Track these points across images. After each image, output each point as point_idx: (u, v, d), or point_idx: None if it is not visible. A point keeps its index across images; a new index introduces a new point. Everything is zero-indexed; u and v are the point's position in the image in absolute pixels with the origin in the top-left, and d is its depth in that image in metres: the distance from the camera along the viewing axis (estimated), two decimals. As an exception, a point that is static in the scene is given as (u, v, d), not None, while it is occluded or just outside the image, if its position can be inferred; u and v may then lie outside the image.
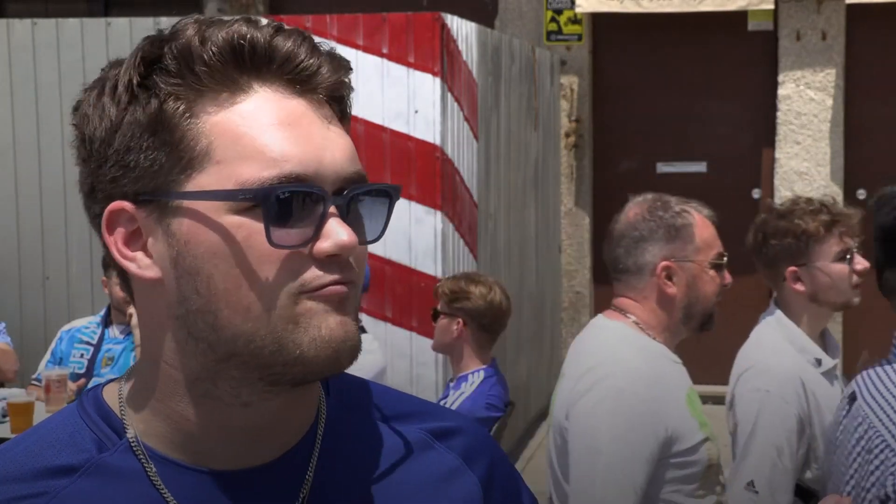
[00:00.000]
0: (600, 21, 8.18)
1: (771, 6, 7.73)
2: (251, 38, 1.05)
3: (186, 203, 1.04)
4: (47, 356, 5.24)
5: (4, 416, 4.60)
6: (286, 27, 1.08)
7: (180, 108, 1.04)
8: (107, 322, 5.22)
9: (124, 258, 1.07)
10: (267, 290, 1.03)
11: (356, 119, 5.60)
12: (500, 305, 4.16)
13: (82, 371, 5.11)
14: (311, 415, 1.14)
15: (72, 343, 5.19)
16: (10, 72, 6.10)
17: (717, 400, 8.15)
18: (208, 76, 1.04)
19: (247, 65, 1.05)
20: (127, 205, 1.06)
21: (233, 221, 1.02)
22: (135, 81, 1.05)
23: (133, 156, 1.05)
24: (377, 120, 5.60)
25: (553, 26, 8.17)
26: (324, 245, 1.03)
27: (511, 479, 1.25)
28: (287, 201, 1.02)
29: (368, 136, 5.59)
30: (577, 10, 7.92)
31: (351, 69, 1.11)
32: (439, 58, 5.55)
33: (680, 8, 7.77)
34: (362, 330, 4.39)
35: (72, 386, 4.78)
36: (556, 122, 8.00)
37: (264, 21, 1.09)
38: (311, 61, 1.07)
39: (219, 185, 1.03)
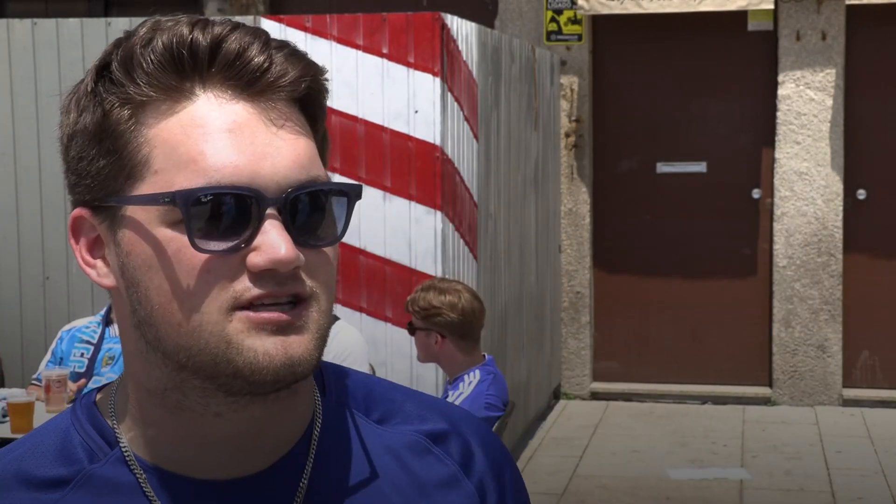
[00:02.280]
0: (600, 21, 8.18)
1: (771, 6, 7.72)
2: (191, 42, 1.00)
3: (128, 213, 1.02)
4: (47, 356, 5.24)
5: (4, 416, 4.59)
6: (243, 26, 1.03)
7: (124, 116, 1.02)
8: (107, 321, 5.22)
9: (87, 265, 1.07)
10: (197, 305, 0.99)
11: (356, 119, 5.60)
12: (472, 310, 4.15)
13: (83, 370, 5.11)
14: (305, 419, 1.11)
15: (72, 343, 5.18)
16: (10, 72, 6.10)
17: (717, 400, 8.17)
18: (148, 84, 1.01)
19: (186, 70, 1.01)
20: (86, 212, 1.06)
21: (165, 234, 1.00)
22: (89, 87, 1.04)
23: (84, 163, 1.04)
24: (377, 120, 5.60)
25: (553, 26, 8.17)
26: (256, 259, 0.99)
27: (501, 486, 1.19)
28: (215, 208, 0.98)
29: (368, 136, 5.60)
30: (578, 11, 7.92)
31: (316, 67, 1.05)
32: (439, 58, 5.55)
33: (680, 8, 7.77)
34: (335, 318, 4.39)
35: (72, 386, 4.78)
36: (556, 122, 8.00)
37: (222, 19, 1.04)
38: (258, 60, 1.01)
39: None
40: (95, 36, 6.03)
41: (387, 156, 5.60)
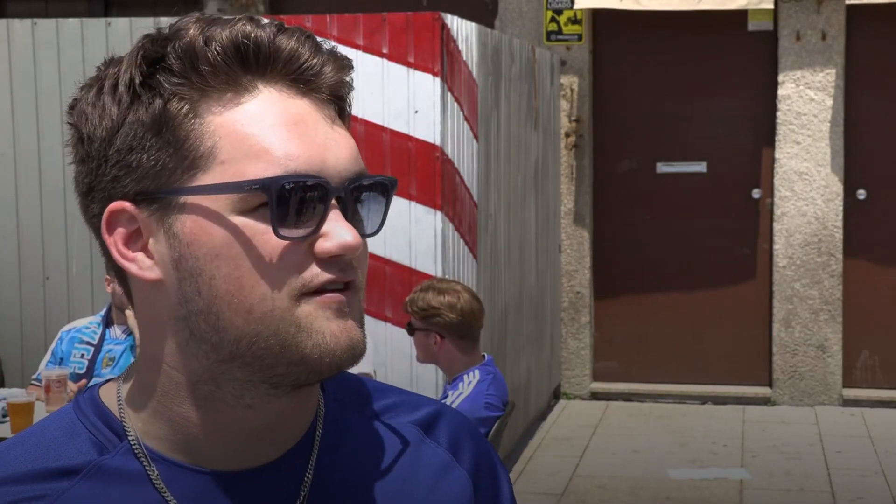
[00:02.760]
0: (600, 21, 8.18)
1: (771, 6, 7.72)
2: (255, 38, 1.04)
3: (190, 203, 1.03)
4: (47, 356, 5.24)
5: (4, 416, 4.60)
6: (288, 26, 1.08)
7: (184, 108, 1.03)
8: (108, 322, 5.22)
9: (125, 259, 1.06)
10: (269, 291, 1.02)
11: (356, 119, 5.60)
12: (471, 310, 4.15)
13: (83, 371, 5.11)
14: (312, 414, 1.14)
15: (72, 343, 5.19)
16: (10, 72, 6.10)
17: (717, 400, 8.17)
18: (213, 76, 1.03)
19: (251, 65, 1.04)
20: (128, 205, 1.05)
21: (237, 221, 1.02)
22: (137, 80, 1.04)
23: (135, 155, 1.04)
24: (377, 120, 5.60)
25: (553, 26, 8.17)
26: (326, 245, 1.03)
27: (492, 468, 1.25)
28: (291, 195, 1.02)
29: (368, 136, 5.60)
30: (576, 6, 7.91)
31: (352, 68, 1.10)
32: (439, 58, 5.55)
33: (679, 6, 7.76)
34: None
35: (72, 386, 4.78)
36: (556, 122, 8.00)
37: (266, 20, 1.08)
38: (315, 61, 1.06)
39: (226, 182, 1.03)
40: (95, 36, 6.03)
41: (387, 156, 5.61)
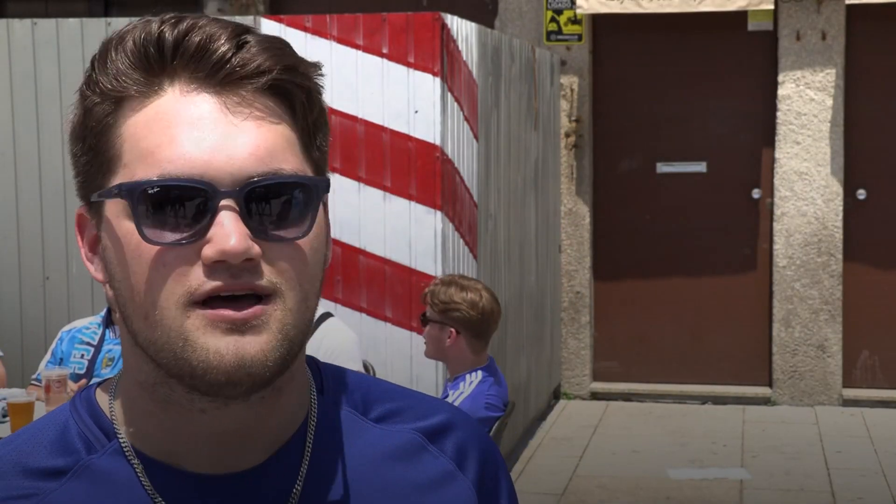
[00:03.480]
0: (600, 21, 8.18)
1: (771, 6, 7.72)
2: (158, 37, 1.02)
3: (104, 208, 1.04)
4: (47, 356, 5.24)
5: (4, 416, 4.59)
6: (219, 20, 1.04)
7: (102, 113, 1.04)
8: (108, 322, 5.21)
9: (88, 261, 1.09)
10: (156, 299, 1.00)
11: (356, 119, 5.60)
12: (491, 311, 4.15)
13: (83, 372, 5.10)
14: (297, 418, 1.12)
15: (72, 343, 5.18)
16: (10, 72, 6.10)
17: (717, 400, 8.16)
18: (121, 79, 1.03)
19: (153, 66, 1.03)
20: (84, 209, 1.08)
21: (126, 227, 1.02)
22: (82, 86, 1.06)
23: (74, 160, 1.07)
24: (377, 120, 5.60)
25: (553, 26, 8.17)
26: (206, 251, 0.99)
27: (495, 479, 1.22)
28: (164, 200, 0.99)
29: (368, 136, 5.60)
30: (578, 10, 7.91)
31: (290, 58, 1.04)
32: (439, 58, 5.54)
33: (680, 8, 7.76)
34: (327, 315, 4.38)
35: (72, 386, 4.78)
36: (556, 122, 8.00)
37: (198, 16, 1.04)
38: (221, 51, 1.02)
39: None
40: (95, 36, 6.02)
41: (387, 156, 5.61)
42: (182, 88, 1.02)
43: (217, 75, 1.02)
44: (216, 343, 0.99)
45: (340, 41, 5.62)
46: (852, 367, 8.15)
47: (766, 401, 8.13)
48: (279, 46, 1.04)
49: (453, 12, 5.87)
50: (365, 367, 4.82)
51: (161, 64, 1.02)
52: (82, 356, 5.16)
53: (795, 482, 6.42)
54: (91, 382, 4.49)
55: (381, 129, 5.60)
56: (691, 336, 8.32)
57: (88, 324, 5.26)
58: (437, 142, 5.55)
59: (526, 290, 7.11)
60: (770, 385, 8.17)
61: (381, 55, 5.60)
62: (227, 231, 0.98)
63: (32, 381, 5.19)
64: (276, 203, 1.02)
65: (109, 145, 1.03)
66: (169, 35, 1.02)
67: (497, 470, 1.22)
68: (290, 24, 5.69)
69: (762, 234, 8.16)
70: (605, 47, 8.30)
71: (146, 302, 1.01)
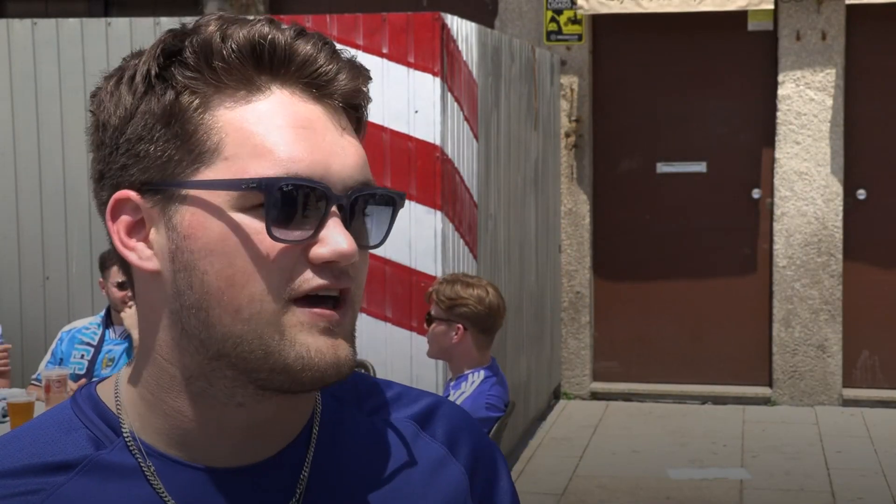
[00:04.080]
0: (600, 21, 8.18)
1: (771, 6, 7.72)
2: (272, 39, 1.05)
3: (191, 196, 1.03)
4: (47, 356, 5.24)
5: (4, 416, 4.59)
6: (308, 31, 1.08)
7: (195, 102, 1.04)
8: (107, 323, 5.22)
9: (125, 247, 1.07)
10: (258, 292, 1.02)
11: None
12: (497, 306, 4.16)
13: (83, 372, 5.11)
14: (308, 412, 1.14)
15: (72, 344, 5.19)
16: (10, 72, 6.10)
17: (717, 400, 8.16)
18: (226, 73, 1.04)
19: (265, 65, 1.05)
20: (133, 194, 1.06)
21: (235, 218, 1.02)
22: (153, 72, 1.05)
23: (144, 145, 1.05)
24: (377, 120, 5.60)
25: (553, 26, 8.17)
26: (321, 251, 1.02)
27: (492, 463, 1.24)
28: (290, 197, 1.02)
29: (368, 136, 5.57)
30: (578, 11, 7.91)
31: (370, 78, 1.11)
32: (439, 58, 5.55)
33: (680, 8, 7.76)
34: None
35: (72, 385, 4.78)
36: (556, 122, 8.00)
37: (286, 24, 1.08)
38: (330, 67, 1.07)
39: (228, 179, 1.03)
40: (95, 36, 6.03)
41: (387, 156, 5.60)
42: (290, 92, 1.05)
43: (323, 88, 1.07)
44: (315, 342, 1.03)
45: (340, 41, 5.62)
46: (852, 367, 8.15)
47: (766, 401, 8.13)
48: (363, 67, 1.10)
49: (453, 12, 5.87)
50: (365, 366, 4.82)
51: (272, 65, 1.05)
52: (82, 356, 5.17)
53: (795, 482, 6.42)
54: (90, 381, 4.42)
55: (382, 129, 5.61)
56: (691, 336, 8.32)
57: (88, 324, 5.26)
58: (437, 142, 5.55)
59: (526, 290, 7.11)
60: (770, 385, 8.17)
61: (382, 55, 5.60)
62: (340, 234, 1.03)
63: (32, 381, 5.19)
64: (373, 213, 1.08)
65: (203, 135, 1.03)
66: (281, 39, 1.05)
67: (489, 451, 1.24)
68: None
69: (762, 234, 8.16)
70: (605, 47, 8.30)
71: (242, 295, 1.02)
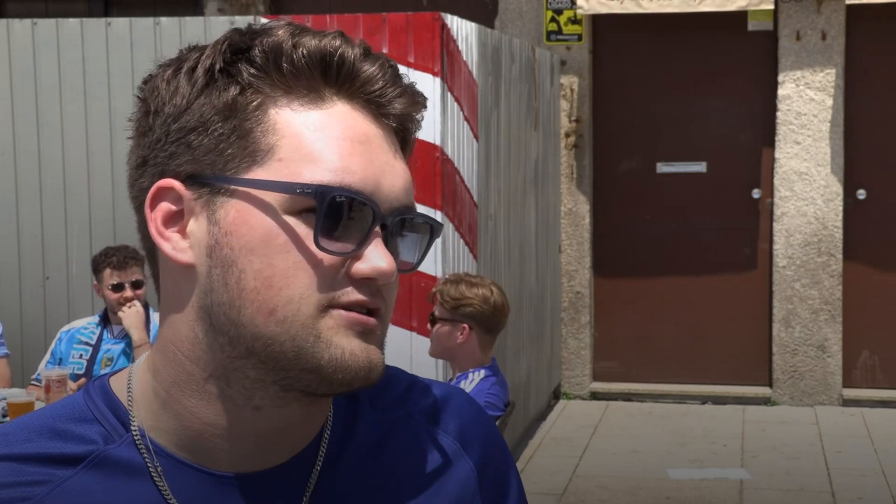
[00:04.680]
0: (600, 21, 8.18)
1: (771, 6, 7.73)
2: (342, 53, 1.06)
3: (241, 192, 1.03)
4: (47, 356, 5.24)
5: (4, 415, 4.60)
6: (375, 52, 1.09)
7: (257, 101, 1.04)
8: (105, 323, 5.22)
9: (161, 237, 1.06)
10: (296, 297, 1.02)
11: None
12: (502, 306, 4.18)
13: (82, 371, 5.11)
14: (322, 419, 1.14)
15: (71, 343, 5.19)
16: (10, 72, 6.09)
17: (717, 400, 8.17)
18: (293, 77, 1.05)
19: (332, 77, 1.06)
20: (177, 183, 1.05)
21: (283, 220, 1.02)
22: (217, 66, 1.05)
23: (198, 136, 1.05)
24: (377, 120, 5.59)
25: (553, 26, 8.17)
26: (362, 266, 1.03)
27: (502, 462, 1.24)
28: (340, 208, 1.02)
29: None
30: (578, 11, 7.92)
31: (425, 106, 1.12)
32: (439, 58, 5.55)
33: (680, 8, 7.77)
34: None
35: (72, 385, 4.78)
36: (556, 122, 8.00)
37: (357, 40, 1.09)
38: (391, 89, 1.08)
39: (278, 180, 1.03)
40: (95, 36, 6.03)
41: (387, 156, 5.60)
42: (351, 106, 1.07)
43: (382, 109, 1.08)
44: (350, 344, 1.03)
45: (340, 41, 5.62)
46: (852, 367, 8.15)
47: (766, 401, 8.13)
48: (421, 94, 1.12)
49: (453, 12, 5.87)
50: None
51: (338, 78, 1.06)
52: (81, 356, 5.17)
53: (795, 482, 6.42)
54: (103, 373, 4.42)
55: (381, 129, 5.60)
56: (691, 336, 8.32)
57: (87, 324, 5.26)
58: (437, 142, 5.56)
59: (526, 290, 7.11)
60: (770, 385, 8.17)
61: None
62: (382, 253, 1.04)
63: (32, 381, 5.20)
64: (409, 237, 1.09)
65: (260, 134, 1.04)
66: (350, 55, 1.06)
67: (501, 450, 1.24)
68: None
69: (762, 234, 8.16)
70: (605, 47, 8.30)
71: (279, 297, 1.02)
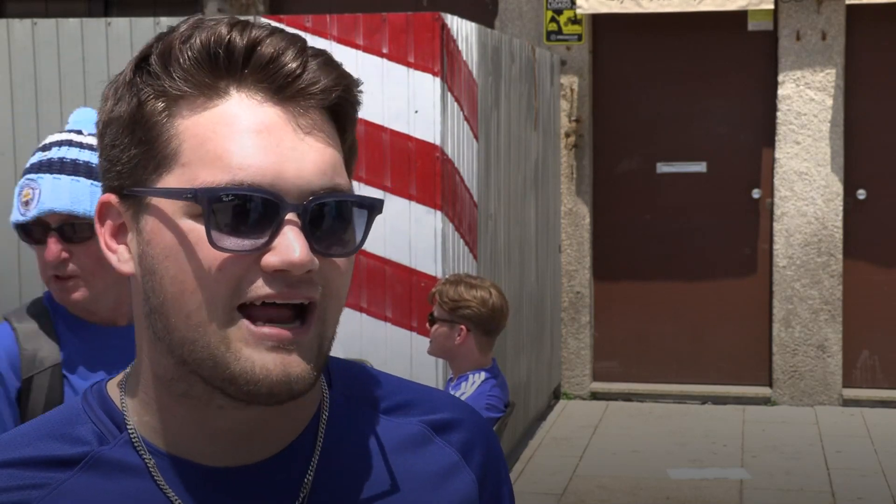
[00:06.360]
0: (600, 21, 8.18)
1: (771, 6, 7.73)
2: (229, 42, 1.03)
3: (153, 202, 1.04)
4: (47, 356, 5.24)
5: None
6: (282, 31, 1.06)
7: (158, 108, 1.04)
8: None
9: (108, 249, 1.09)
10: (207, 300, 1.01)
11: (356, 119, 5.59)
12: (501, 308, 4.17)
13: (82, 371, 5.11)
14: (310, 411, 1.13)
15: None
16: (10, 72, 6.09)
17: (717, 400, 8.17)
18: (183, 79, 1.03)
19: (221, 69, 1.04)
20: (114, 198, 1.08)
21: (186, 225, 1.02)
22: (127, 78, 1.06)
23: (116, 151, 1.06)
24: (377, 120, 5.60)
25: (553, 26, 8.17)
26: (271, 259, 1.01)
27: (498, 473, 1.24)
28: (236, 207, 1.00)
29: (368, 136, 5.59)
30: (578, 10, 7.92)
31: (350, 79, 1.08)
32: (439, 58, 5.55)
33: (680, 8, 7.77)
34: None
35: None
36: (556, 122, 8.00)
37: (262, 22, 1.07)
38: (291, 66, 1.03)
39: (179, 186, 1.02)
40: (95, 36, 6.03)
41: (387, 156, 5.60)
42: (248, 96, 1.03)
43: (286, 90, 1.03)
44: (262, 358, 1.01)
45: (340, 41, 5.62)
46: (852, 367, 8.15)
47: (766, 401, 8.13)
48: (338, 65, 1.07)
49: (453, 12, 5.87)
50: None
51: (230, 69, 1.03)
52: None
53: (795, 482, 6.42)
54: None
55: (382, 129, 5.61)
56: (691, 336, 8.32)
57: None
58: (437, 142, 5.55)
59: (526, 290, 7.11)
60: (770, 385, 8.17)
61: (381, 55, 5.60)
62: (292, 243, 1.00)
63: (32, 381, 5.19)
64: (337, 220, 1.04)
65: (164, 141, 1.03)
66: (240, 42, 1.03)
67: (499, 467, 1.24)
68: (290, 24, 5.68)
69: (762, 234, 8.16)
70: (605, 47, 8.30)
71: (192, 301, 1.02)
